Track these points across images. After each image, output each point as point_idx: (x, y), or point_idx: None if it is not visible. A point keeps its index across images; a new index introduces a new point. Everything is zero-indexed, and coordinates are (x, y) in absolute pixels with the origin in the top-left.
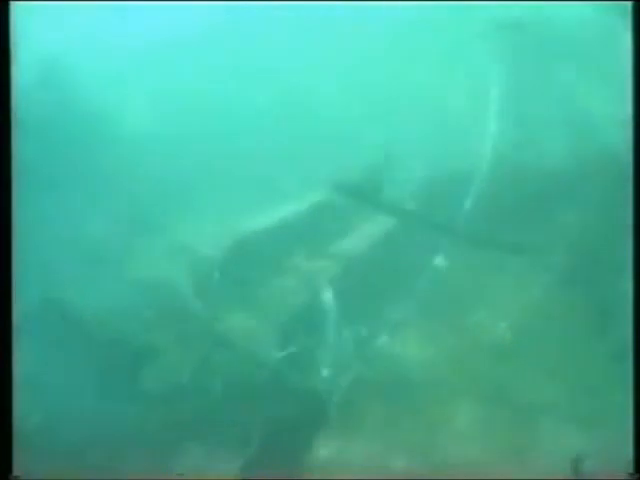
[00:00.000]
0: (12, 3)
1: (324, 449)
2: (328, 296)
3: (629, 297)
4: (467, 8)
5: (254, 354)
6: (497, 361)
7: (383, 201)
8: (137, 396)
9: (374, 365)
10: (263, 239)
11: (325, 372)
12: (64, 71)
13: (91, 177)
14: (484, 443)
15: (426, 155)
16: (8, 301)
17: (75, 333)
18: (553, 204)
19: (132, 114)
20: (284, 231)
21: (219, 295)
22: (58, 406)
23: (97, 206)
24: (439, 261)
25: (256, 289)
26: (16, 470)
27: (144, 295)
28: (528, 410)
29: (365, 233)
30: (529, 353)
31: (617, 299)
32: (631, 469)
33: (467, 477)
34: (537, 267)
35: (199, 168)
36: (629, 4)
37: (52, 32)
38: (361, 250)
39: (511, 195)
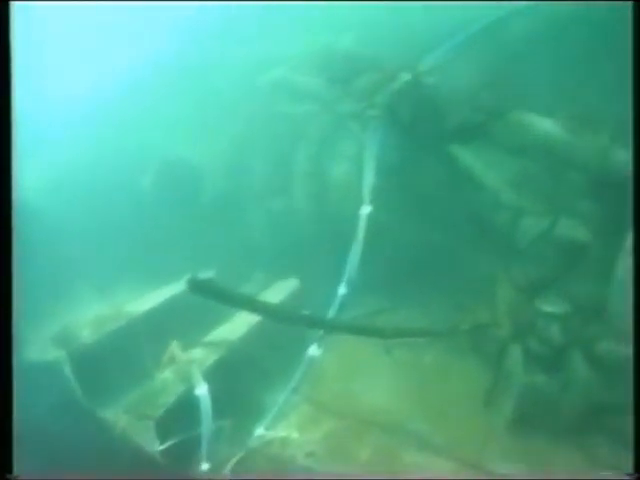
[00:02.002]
0: (12, 3)
1: None
2: (203, 388)
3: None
4: None
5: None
6: (376, 440)
7: (242, 297)
8: None
9: (254, 454)
10: (142, 326)
11: (205, 466)
12: None
13: None
14: None
15: None
16: (8, 303)
17: None
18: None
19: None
20: (162, 318)
21: (100, 385)
22: None
23: None
24: (313, 350)
25: (136, 380)
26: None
27: (31, 380)
28: None
29: (242, 321)
30: (412, 433)
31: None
32: (631, 469)
33: None
34: (416, 351)
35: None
36: (629, 4)
37: None
38: (236, 339)
39: (388, 276)
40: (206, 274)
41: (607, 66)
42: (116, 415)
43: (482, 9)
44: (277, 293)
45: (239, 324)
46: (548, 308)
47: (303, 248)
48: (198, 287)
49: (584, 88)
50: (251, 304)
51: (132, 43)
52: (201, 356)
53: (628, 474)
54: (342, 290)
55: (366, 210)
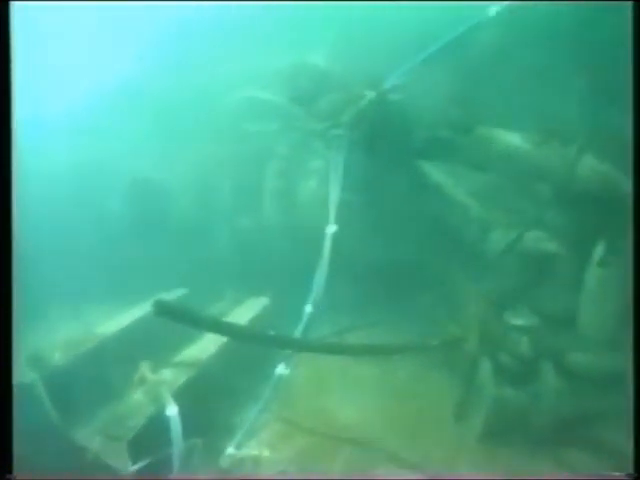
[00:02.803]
0: (12, 3)
1: None
2: (173, 408)
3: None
4: None
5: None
6: (349, 457)
7: (208, 319)
8: None
9: (226, 474)
10: (112, 347)
11: None
12: None
13: None
14: None
15: None
16: (8, 304)
17: None
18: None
19: None
20: (133, 339)
21: (73, 407)
22: None
23: None
24: (280, 369)
25: (107, 401)
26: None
27: None
28: None
29: (211, 340)
30: (384, 449)
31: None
32: (631, 469)
33: None
34: (387, 367)
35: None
36: (629, 4)
37: None
38: (205, 359)
39: (358, 294)
40: (177, 293)
41: (575, 77)
42: (89, 437)
43: (448, 24)
44: (248, 311)
45: (208, 344)
46: (517, 321)
47: (273, 265)
48: (164, 310)
49: (551, 100)
50: (217, 326)
51: (100, 63)
52: (171, 377)
53: (628, 474)
54: (308, 309)
55: (332, 229)
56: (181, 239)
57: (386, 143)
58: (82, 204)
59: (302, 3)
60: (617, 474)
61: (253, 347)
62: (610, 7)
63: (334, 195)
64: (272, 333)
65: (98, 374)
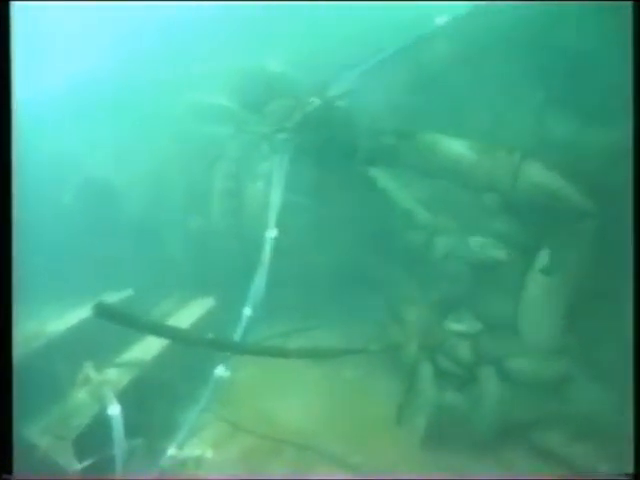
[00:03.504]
0: (12, 3)
1: None
2: (115, 408)
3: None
4: None
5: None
6: (291, 458)
7: (148, 322)
8: None
9: (169, 474)
10: (59, 346)
11: None
12: None
13: None
14: None
15: None
16: (8, 305)
17: None
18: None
19: None
20: (79, 338)
21: (24, 406)
22: None
23: None
24: (220, 371)
25: (54, 400)
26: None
27: None
28: None
29: (154, 341)
30: (327, 451)
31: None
32: (631, 469)
33: None
34: (332, 370)
35: None
36: (629, 4)
37: None
38: (149, 359)
39: (302, 297)
40: (124, 294)
41: (523, 86)
42: (39, 435)
43: (397, 33)
44: (193, 312)
45: (152, 344)
46: (458, 327)
47: (220, 267)
48: (104, 313)
49: (499, 109)
50: (157, 329)
51: (56, 62)
52: (115, 377)
53: (626, 474)
54: (247, 312)
55: (272, 233)
56: (132, 239)
57: (332, 148)
58: (39, 199)
59: (257, 8)
60: (616, 474)
61: (195, 349)
62: (562, 16)
63: (275, 200)
64: (211, 336)
65: (47, 372)
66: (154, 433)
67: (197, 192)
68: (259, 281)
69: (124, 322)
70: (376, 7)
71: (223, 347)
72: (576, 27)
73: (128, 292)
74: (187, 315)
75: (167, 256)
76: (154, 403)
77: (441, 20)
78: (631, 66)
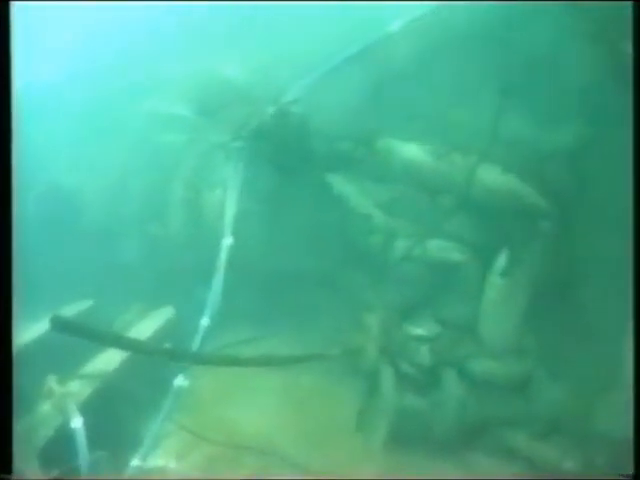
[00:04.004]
0: (12, 3)
1: None
2: (78, 420)
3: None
4: None
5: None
6: (254, 465)
7: (105, 334)
8: None
9: None
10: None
11: None
12: None
13: None
14: None
15: None
16: (8, 304)
17: None
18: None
19: None
20: (42, 350)
21: None
22: None
23: None
24: (179, 381)
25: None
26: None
27: None
28: None
29: (116, 352)
30: (289, 457)
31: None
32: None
33: None
34: (292, 376)
35: None
36: (629, 4)
37: None
38: (111, 370)
39: (260, 304)
40: (85, 304)
41: (480, 90)
42: None
43: (353, 38)
44: (154, 321)
45: (114, 355)
46: (417, 330)
47: (179, 275)
48: (61, 326)
49: (455, 112)
50: (114, 340)
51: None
52: (77, 389)
53: (624, 474)
54: (205, 322)
55: (228, 241)
56: (92, 248)
57: (288, 155)
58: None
59: (213, 14)
60: (616, 474)
61: (156, 359)
62: (518, 17)
63: (231, 208)
64: (168, 346)
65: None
66: (118, 444)
67: (156, 201)
68: (215, 290)
69: (81, 334)
70: (331, 12)
71: (181, 357)
72: (532, 28)
73: (89, 303)
74: (148, 325)
75: (127, 266)
76: (117, 414)
77: (395, 25)
78: (631, 66)
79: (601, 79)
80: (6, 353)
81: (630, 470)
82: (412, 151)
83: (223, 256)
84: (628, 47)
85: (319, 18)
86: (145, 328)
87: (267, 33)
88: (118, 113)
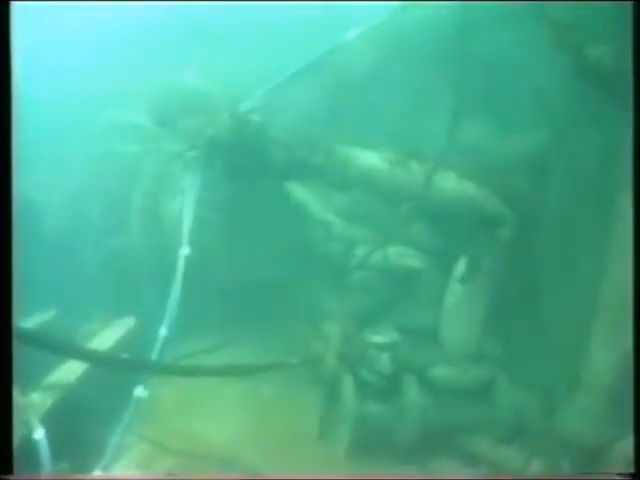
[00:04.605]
0: (12, 3)
1: None
2: (40, 432)
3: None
4: None
5: None
6: (216, 475)
7: (65, 345)
8: None
9: None
10: None
11: None
12: None
13: None
14: None
15: None
16: (8, 302)
17: None
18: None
19: None
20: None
21: None
22: None
23: None
24: (139, 391)
25: None
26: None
27: None
28: None
29: (76, 363)
30: (251, 466)
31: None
32: (631, 469)
33: None
34: (253, 385)
35: None
36: (629, 4)
37: None
38: (72, 381)
39: (219, 314)
40: (46, 316)
41: (435, 93)
42: None
43: (311, 46)
44: (115, 331)
45: (76, 366)
46: (377, 338)
47: (140, 285)
48: (22, 337)
49: (413, 119)
50: (74, 352)
51: None
52: (39, 400)
53: (626, 474)
54: (163, 332)
55: (185, 251)
56: (53, 258)
57: (247, 163)
58: None
59: (171, 22)
60: (615, 474)
61: (116, 370)
62: (477, 22)
63: (188, 217)
64: (128, 356)
65: None
66: (80, 455)
67: (116, 211)
68: (173, 300)
69: (42, 347)
70: (289, 21)
71: (141, 368)
72: (491, 33)
73: (50, 313)
74: (109, 335)
75: (88, 275)
76: (79, 425)
77: (352, 34)
78: (631, 66)
79: (562, 85)
80: (6, 355)
81: (631, 469)
82: (370, 158)
83: (180, 266)
84: (593, 52)
85: (276, 27)
86: (107, 338)
87: (225, 42)
88: (77, 122)
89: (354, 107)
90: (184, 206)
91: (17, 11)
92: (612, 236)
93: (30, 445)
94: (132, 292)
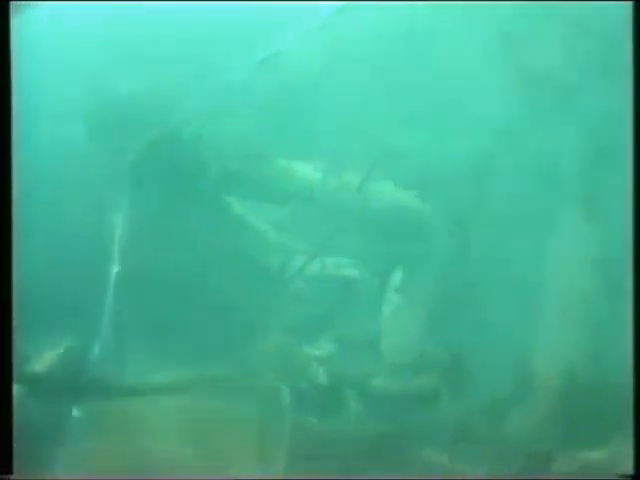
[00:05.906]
0: (12, 3)
1: None
2: None
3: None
4: None
5: None
6: None
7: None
8: None
9: None
10: None
11: None
12: None
13: None
14: None
15: None
16: (8, 299)
17: None
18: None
19: None
20: None
21: None
22: None
23: None
24: (77, 412)
25: None
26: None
27: None
28: None
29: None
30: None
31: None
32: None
33: None
34: (192, 399)
35: None
36: (630, 4)
37: None
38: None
39: (155, 330)
40: None
41: (372, 101)
42: None
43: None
44: (53, 353)
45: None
46: (315, 350)
47: (79, 303)
48: None
49: (348, 127)
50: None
51: None
52: None
53: (626, 475)
54: (97, 351)
55: (115, 269)
56: None
57: (182, 176)
58: None
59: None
60: (614, 474)
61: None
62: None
63: (120, 234)
64: (67, 377)
65: None
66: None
67: (55, 227)
68: (107, 319)
69: None
70: (225, 29)
71: (79, 388)
72: (433, 37)
73: None
74: (48, 356)
75: (28, 294)
76: (20, 447)
77: (288, 42)
78: (631, 66)
79: (505, 90)
80: (6, 355)
81: (630, 470)
82: (306, 169)
83: (111, 283)
84: (535, 61)
85: (212, 36)
86: (46, 359)
87: (157, 52)
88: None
89: (289, 117)
90: (117, 222)
91: None
92: (554, 239)
93: None
94: (72, 311)
